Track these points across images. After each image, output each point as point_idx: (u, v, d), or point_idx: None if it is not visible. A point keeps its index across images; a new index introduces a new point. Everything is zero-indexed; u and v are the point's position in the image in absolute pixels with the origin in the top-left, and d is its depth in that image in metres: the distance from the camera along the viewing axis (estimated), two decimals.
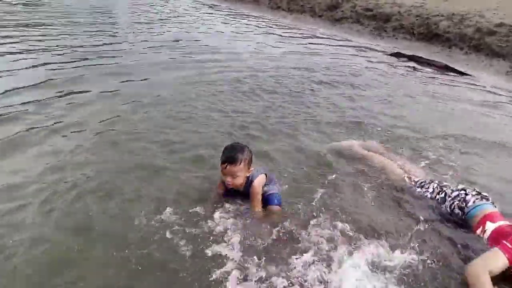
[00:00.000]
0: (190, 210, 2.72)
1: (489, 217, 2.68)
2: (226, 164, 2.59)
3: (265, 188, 2.80)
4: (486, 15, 9.55)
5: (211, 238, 2.48)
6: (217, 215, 2.69)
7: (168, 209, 2.70)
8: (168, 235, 2.48)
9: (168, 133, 4.00)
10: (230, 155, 2.59)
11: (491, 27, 8.86)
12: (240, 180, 2.65)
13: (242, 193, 2.80)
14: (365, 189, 3.25)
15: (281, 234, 2.57)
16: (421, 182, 3.21)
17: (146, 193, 2.95)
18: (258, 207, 2.72)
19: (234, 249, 2.39)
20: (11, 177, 3.07)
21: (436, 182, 3.19)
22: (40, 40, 7.60)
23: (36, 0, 13.59)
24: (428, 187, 3.13)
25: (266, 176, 2.83)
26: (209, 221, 2.63)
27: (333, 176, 3.37)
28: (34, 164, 3.25)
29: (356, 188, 3.24)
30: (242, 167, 2.60)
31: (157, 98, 4.96)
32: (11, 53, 6.51)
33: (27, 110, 4.29)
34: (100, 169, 3.26)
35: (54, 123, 4.05)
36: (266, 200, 2.79)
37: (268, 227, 2.60)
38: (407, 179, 3.31)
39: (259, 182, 2.73)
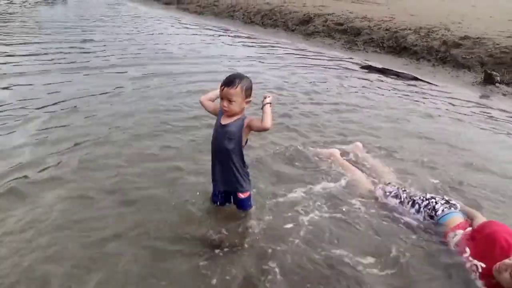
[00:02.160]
0: None
1: (459, 226, 2.83)
2: (223, 86, 2.65)
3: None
4: (451, 28, 9.95)
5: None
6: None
7: None
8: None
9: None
10: (229, 79, 2.67)
11: (456, 40, 9.22)
12: (235, 107, 2.67)
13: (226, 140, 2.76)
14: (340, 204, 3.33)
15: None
16: (395, 193, 3.30)
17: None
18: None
19: None
20: None
21: (406, 191, 3.30)
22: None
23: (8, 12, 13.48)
24: (401, 198, 3.24)
25: None
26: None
27: (307, 184, 3.50)
28: None
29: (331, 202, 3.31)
30: (239, 91, 2.64)
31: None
32: None
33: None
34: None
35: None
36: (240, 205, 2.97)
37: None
38: (379, 190, 3.40)
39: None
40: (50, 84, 6.16)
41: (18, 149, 3.91)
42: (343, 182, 3.58)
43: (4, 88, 5.80)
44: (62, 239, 2.65)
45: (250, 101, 2.75)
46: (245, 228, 2.90)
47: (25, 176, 3.39)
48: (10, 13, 14.02)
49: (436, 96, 6.99)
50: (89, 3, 18.62)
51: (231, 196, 2.98)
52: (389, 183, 3.51)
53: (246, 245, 2.73)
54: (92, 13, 15.64)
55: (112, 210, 3.04)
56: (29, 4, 16.59)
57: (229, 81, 2.64)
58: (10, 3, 16.95)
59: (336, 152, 4.02)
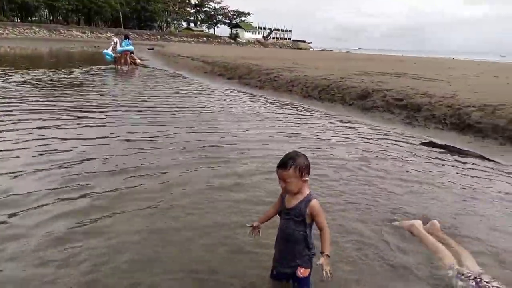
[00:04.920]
0: None
1: None
2: (277, 168, 2.75)
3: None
4: None
5: None
6: None
7: None
8: None
9: None
10: (283, 160, 2.76)
11: None
12: (292, 187, 2.73)
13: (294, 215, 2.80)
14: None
15: None
16: (475, 277, 3.04)
17: None
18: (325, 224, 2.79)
19: None
20: None
21: (488, 278, 3.05)
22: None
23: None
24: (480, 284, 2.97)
25: None
26: None
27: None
28: None
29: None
30: (292, 172, 2.70)
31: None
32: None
33: None
34: None
35: None
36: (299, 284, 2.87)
37: None
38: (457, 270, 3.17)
39: (317, 202, 2.80)
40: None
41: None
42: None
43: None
44: None
45: (307, 180, 2.79)
46: None
47: None
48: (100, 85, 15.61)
49: (506, 175, 6.56)
50: (157, 76, 20.34)
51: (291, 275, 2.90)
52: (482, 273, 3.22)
53: None
54: (161, 85, 17.00)
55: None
56: (100, 78, 18.39)
57: (282, 163, 2.74)
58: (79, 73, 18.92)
59: (417, 222, 3.91)
